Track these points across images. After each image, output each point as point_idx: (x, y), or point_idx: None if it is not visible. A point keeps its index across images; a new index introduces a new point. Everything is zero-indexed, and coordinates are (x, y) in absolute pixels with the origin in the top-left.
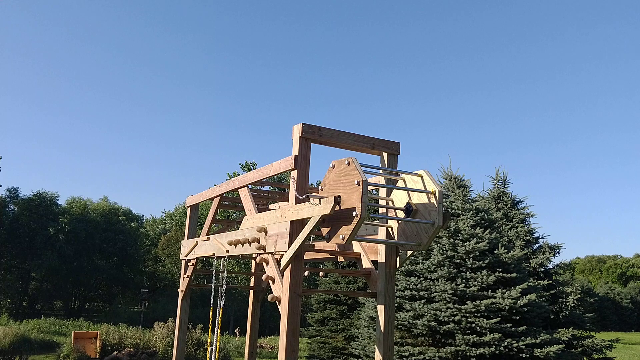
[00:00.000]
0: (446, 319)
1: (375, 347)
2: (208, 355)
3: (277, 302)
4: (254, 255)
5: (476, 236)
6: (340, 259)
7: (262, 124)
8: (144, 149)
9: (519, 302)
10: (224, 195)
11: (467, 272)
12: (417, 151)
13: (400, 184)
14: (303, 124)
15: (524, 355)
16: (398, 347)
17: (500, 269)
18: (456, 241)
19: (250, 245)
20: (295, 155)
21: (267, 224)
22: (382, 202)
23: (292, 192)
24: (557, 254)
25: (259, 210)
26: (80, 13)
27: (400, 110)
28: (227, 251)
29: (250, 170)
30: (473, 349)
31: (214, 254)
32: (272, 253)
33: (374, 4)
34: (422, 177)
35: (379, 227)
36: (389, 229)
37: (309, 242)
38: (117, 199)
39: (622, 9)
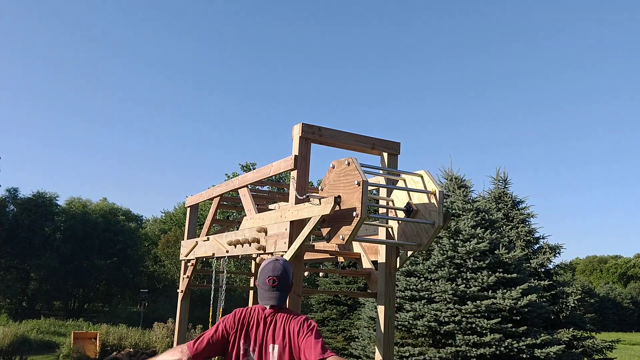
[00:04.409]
0: (446, 319)
1: (376, 347)
2: None
3: None
4: (253, 256)
5: (477, 236)
6: (341, 259)
7: (262, 124)
8: (144, 149)
9: (519, 302)
10: (224, 195)
11: (468, 273)
12: (417, 151)
13: (400, 184)
14: (303, 124)
15: (524, 356)
16: (398, 348)
17: (500, 270)
18: (457, 241)
19: (250, 245)
20: (295, 156)
21: (267, 224)
22: (382, 202)
23: (292, 192)
24: (557, 254)
25: (259, 210)
26: (79, 11)
27: (400, 110)
28: (227, 251)
29: (250, 170)
30: (473, 349)
31: (213, 254)
32: (272, 253)
33: (373, 3)
34: (422, 177)
35: (379, 228)
36: (389, 229)
37: (309, 243)
38: (117, 199)
39: (622, 8)
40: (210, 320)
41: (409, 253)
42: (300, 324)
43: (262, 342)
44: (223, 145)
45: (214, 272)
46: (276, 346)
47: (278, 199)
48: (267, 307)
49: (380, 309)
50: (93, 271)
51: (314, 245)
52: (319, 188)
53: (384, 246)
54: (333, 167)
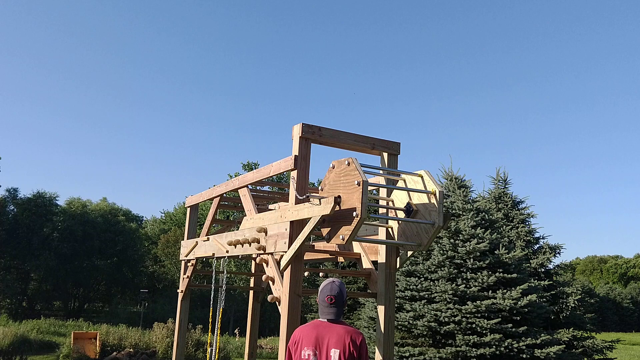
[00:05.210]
0: (446, 319)
1: (376, 347)
2: (208, 356)
3: (277, 303)
4: (253, 256)
5: (477, 236)
6: (341, 259)
7: (262, 124)
8: (144, 149)
9: (519, 302)
10: (224, 195)
11: (468, 273)
12: (417, 151)
13: (400, 184)
14: (303, 124)
15: (524, 356)
16: (398, 348)
17: (500, 270)
18: (457, 241)
19: (250, 245)
20: (295, 156)
21: (267, 224)
22: (382, 203)
23: (292, 192)
24: (557, 255)
25: (259, 211)
26: (80, 12)
27: (400, 110)
28: (227, 251)
29: (252, 170)
30: (473, 349)
31: (213, 254)
32: (272, 253)
33: (373, 4)
34: (422, 177)
35: (379, 228)
36: (389, 229)
37: (309, 243)
38: (117, 199)
39: (621, 9)
40: (210, 321)
41: (409, 253)
42: (362, 343)
43: (325, 348)
44: (223, 145)
45: (214, 272)
46: (337, 351)
47: (278, 199)
48: (326, 320)
49: (380, 309)
50: (93, 271)
51: (314, 245)
52: (319, 188)
53: (384, 246)
54: (333, 167)
